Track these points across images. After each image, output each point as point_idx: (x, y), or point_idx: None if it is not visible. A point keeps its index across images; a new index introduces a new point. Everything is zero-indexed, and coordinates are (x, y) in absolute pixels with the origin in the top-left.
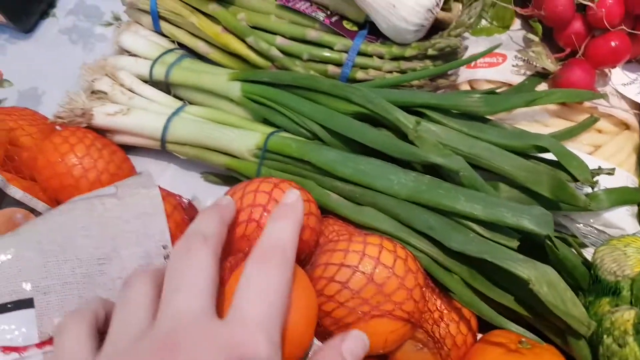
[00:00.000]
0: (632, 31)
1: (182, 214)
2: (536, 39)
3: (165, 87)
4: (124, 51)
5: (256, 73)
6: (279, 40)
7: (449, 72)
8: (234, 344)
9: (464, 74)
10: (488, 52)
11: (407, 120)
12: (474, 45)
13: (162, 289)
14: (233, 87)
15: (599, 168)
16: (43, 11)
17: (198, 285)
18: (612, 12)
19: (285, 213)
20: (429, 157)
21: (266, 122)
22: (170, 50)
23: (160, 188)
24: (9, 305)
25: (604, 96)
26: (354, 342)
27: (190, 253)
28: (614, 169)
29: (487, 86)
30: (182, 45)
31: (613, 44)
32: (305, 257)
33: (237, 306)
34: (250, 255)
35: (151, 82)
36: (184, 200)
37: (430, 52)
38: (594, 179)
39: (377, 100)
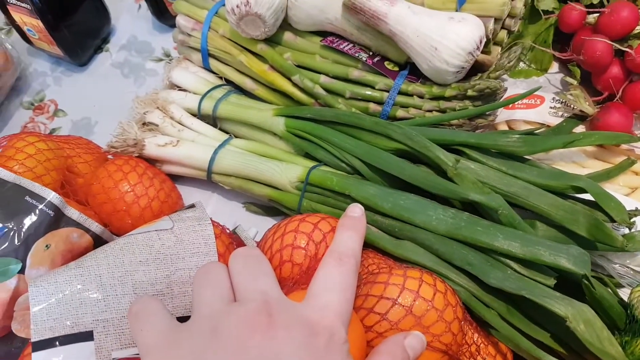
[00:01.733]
0: None
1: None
2: (575, 82)
3: (212, 120)
4: (174, 86)
5: (300, 109)
6: (322, 78)
7: (488, 113)
8: (317, 323)
9: (503, 115)
10: (528, 95)
11: (446, 158)
12: (513, 87)
13: (234, 282)
14: (277, 122)
15: (636, 209)
16: (97, 46)
17: (273, 275)
18: None
19: (354, 224)
20: (467, 195)
21: (308, 156)
22: (218, 86)
23: (212, 222)
24: (70, 337)
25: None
26: (415, 339)
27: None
28: None
29: (524, 127)
30: (229, 82)
31: None
32: None
33: (318, 295)
34: (326, 256)
35: (199, 116)
36: (227, 229)
37: (470, 93)
38: (631, 220)
39: (417, 138)
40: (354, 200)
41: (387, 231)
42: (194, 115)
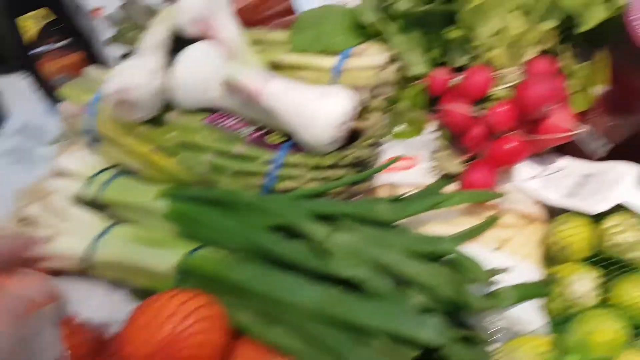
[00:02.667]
0: (526, 135)
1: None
2: (443, 143)
3: (99, 205)
4: (61, 172)
5: (182, 190)
6: (206, 156)
7: (367, 179)
8: None
9: (382, 178)
10: (392, 164)
11: (319, 232)
12: (391, 149)
13: None
14: (161, 204)
15: (495, 268)
16: None
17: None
18: (503, 119)
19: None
20: (337, 270)
21: (194, 237)
22: (104, 170)
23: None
24: None
25: (502, 195)
26: None
27: None
28: (507, 269)
29: (404, 188)
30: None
31: (509, 146)
32: None
33: None
34: None
35: (86, 202)
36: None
37: (346, 161)
38: (492, 278)
39: (290, 213)
40: (231, 284)
41: (262, 314)
42: (81, 201)
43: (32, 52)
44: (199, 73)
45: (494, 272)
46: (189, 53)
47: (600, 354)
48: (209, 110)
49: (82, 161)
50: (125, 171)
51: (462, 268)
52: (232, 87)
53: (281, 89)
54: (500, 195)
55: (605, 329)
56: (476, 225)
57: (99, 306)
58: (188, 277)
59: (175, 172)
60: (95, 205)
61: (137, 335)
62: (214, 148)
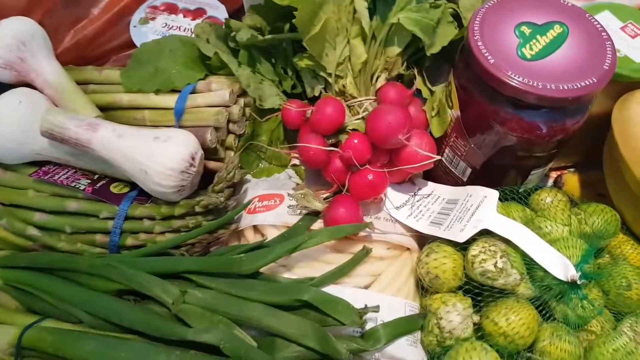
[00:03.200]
0: (386, 166)
1: None
2: (300, 182)
3: None
4: None
5: (13, 258)
6: (37, 216)
7: (230, 222)
8: None
9: (246, 220)
10: (240, 211)
11: (167, 296)
12: (255, 187)
13: None
14: None
15: (365, 307)
16: None
17: None
18: (359, 151)
19: None
20: (187, 336)
21: (33, 309)
22: None
23: None
24: None
25: (367, 225)
26: None
27: None
28: (378, 307)
29: (270, 229)
30: None
31: (368, 178)
32: None
33: None
34: None
35: None
36: None
37: (198, 209)
38: (363, 319)
39: (135, 277)
40: None
41: None
42: None
43: None
44: (15, 123)
45: (364, 311)
46: (1, 102)
47: None
48: (38, 164)
49: None
50: None
51: (330, 312)
52: (54, 138)
53: (111, 136)
54: (365, 226)
55: None
56: (346, 263)
57: None
58: (27, 355)
59: (3, 238)
60: None
61: None
62: (46, 205)
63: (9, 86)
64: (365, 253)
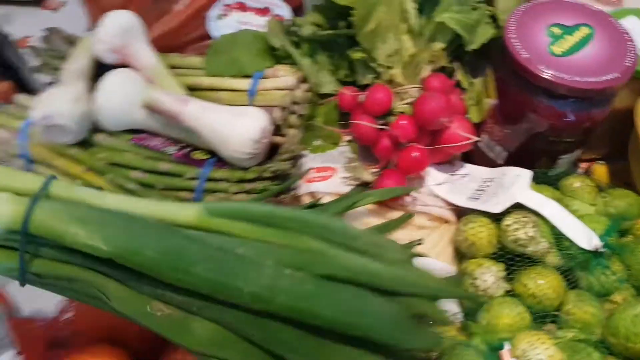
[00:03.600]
0: (427, 145)
1: None
2: (353, 155)
3: None
4: None
5: None
6: (135, 174)
7: (290, 188)
8: None
9: (304, 188)
10: (299, 177)
11: None
12: (311, 160)
13: None
14: None
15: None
16: None
17: None
18: (406, 131)
19: None
20: None
21: None
22: None
23: None
24: None
25: (412, 189)
26: None
27: None
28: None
29: (324, 197)
30: None
31: (413, 155)
32: None
33: None
34: None
35: None
36: None
37: (267, 174)
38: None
39: None
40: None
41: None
42: None
43: None
44: (120, 97)
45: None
46: (108, 79)
47: (503, 335)
48: (135, 131)
49: None
50: None
51: None
52: (153, 109)
53: (199, 110)
54: (412, 189)
55: (507, 314)
56: (389, 221)
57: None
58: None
59: (108, 190)
60: None
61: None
62: (141, 166)
63: (111, 67)
64: (408, 216)
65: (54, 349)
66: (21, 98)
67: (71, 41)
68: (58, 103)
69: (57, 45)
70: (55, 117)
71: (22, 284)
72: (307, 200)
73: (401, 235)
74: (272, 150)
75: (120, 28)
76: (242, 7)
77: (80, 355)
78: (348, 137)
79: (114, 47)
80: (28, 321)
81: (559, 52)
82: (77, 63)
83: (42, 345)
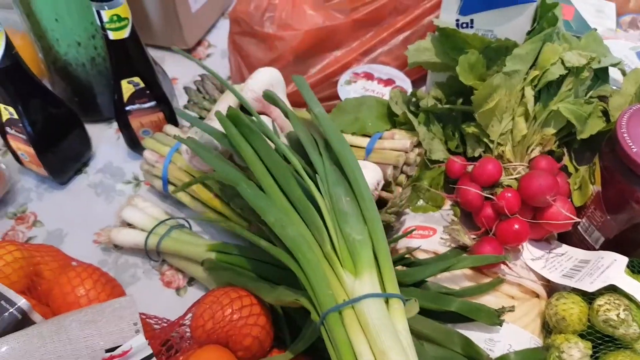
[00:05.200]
0: (529, 220)
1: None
2: (455, 219)
3: (156, 254)
4: (125, 223)
5: (228, 247)
6: None
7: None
8: None
9: (403, 242)
10: (406, 234)
11: None
12: (412, 219)
13: None
14: (209, 256)
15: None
16: (78, 168)
17: None
18: (510, 203)
19: None
20: None
21: None
22: (162, 222)
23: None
24: None
25: (507, 258)
26: None
27: None
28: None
29: (422, 254)
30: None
31: (515, 227)
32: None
33: None
34: None
35: (146, 250)
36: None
37: None
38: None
39: None
40: None
41: None
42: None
43: (126, 108)
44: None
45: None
46: None
47: None
48: None
49: (142, 214)
50: (180, 225)
51: (474, 317)
52: None
53: None
54: (505, 258)
55: None
56: (481, 284)
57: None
58: None
59: (230, 216)
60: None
61: (200, 318)
62: None
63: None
64: (499, 281)
65: (170, 349)
66: (169, 128)
67: (220, 88)
68: (203, 137)
69: (208, 89)
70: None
71: None
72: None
73: (492, 300)
74: (379, 205)
75: (268, 81)
76: (369, 77)
77: (196, 352)
78: (450, 203)
79: (259, 97)
80: (149, 318)
81: None
82: (224, 105)
83: (158, 344)
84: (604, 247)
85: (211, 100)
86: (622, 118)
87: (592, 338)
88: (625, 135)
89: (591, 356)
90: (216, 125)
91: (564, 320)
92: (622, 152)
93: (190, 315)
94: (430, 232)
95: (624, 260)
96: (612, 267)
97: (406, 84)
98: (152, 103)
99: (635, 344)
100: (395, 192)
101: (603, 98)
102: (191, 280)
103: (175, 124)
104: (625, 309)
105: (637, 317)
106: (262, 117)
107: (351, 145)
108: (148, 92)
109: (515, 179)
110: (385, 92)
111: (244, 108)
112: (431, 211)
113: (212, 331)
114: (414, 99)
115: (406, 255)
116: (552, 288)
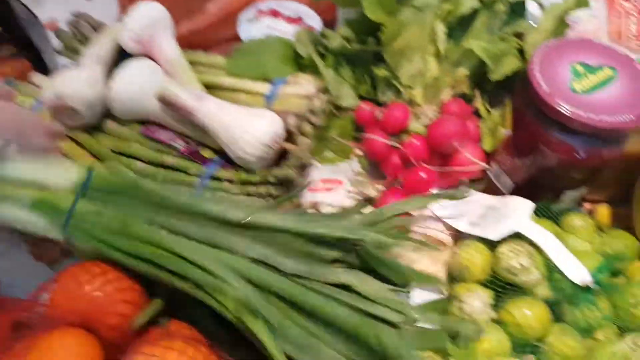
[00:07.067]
0: (436, 167)
1: None
2: (363, 170)
3: None
4: None
5: None
6: (137, 164)
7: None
8: None
9: (307, 196)
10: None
11: None
12: (319, 171)
13: None
14: None
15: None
16: None
17: None
18: (417, 150)
19: None
20: None
21: None
22: None
23: None
24: None
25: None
26: None
27: None
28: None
29: (326, 208)
30: None
31: (421, 175)
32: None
33: None
34: None
35: None
36: None
37: (271, 179)
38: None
39: None
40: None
41: None
42: None
43: None
44: (135, 86)
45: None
46: (127, 67)
47: None
48: (145, 122)
49: None
50: None
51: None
52: (167, 102)
53: (214, 108)
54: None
55: (487, 339)
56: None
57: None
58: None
59: None
60: None
61: (61, 295)
62: (145, 156)
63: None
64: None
65: (21, 329)
66: (36, 77)
67: (98, 28)
68: (72, 85)
69: (84, 31)
70: (67, 99)
71: None
72: (309, 208)
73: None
74: (282, 157)
75: (148, 19)
76: (275, 14)
77: (47, 336)
78: (359, 153)
79: (139, 38)
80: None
81: (579, 90)
82: (99, 48)
83: (7, 324)
84: (513, 192)
85: (86, 43)
86: (535, 55)
87: (494, 287)
88: (536, 73)
89: (493, 304)
90: (85, 74)
91: (467, 270)
92: (533, 92)
93: (44, 294)
94: (335, 184)
95: (529, 205)
96: (517, 213)
97: (316, 22)
98: (14, 50)
99: (535, 289)
100: (299, 143)
101: (519, 35)
102: None
103: (46, 72)
104: (527, 255)
105: (538, 262)
106: (147, 60)
107: (250, 93)
108: (8, 38)
109: (424, 125)
110: (292, 32)
111: (124, 50)
112: (339, 162)
113: (69, 312)
114: (322, 40)
115: (310, 210)
116: (457, 236)
